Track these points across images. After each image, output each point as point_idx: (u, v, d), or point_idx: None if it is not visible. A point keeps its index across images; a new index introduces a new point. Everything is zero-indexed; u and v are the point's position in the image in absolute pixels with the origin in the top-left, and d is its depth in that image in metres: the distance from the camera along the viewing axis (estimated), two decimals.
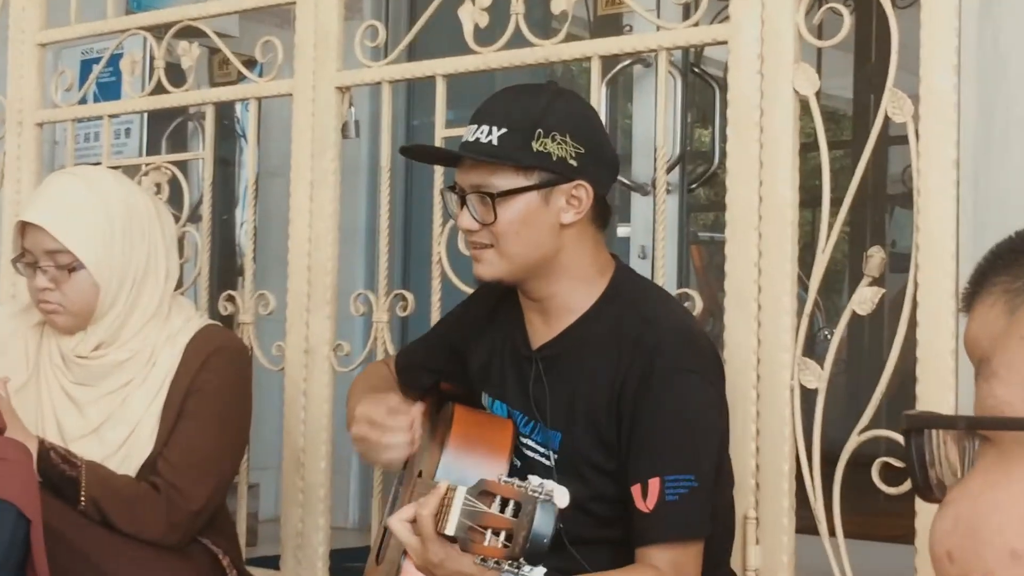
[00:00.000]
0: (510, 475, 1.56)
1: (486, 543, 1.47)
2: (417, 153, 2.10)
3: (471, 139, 1.81)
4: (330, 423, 2.63)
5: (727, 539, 1.94)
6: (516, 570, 1.44)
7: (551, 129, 1.78)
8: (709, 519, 1.76)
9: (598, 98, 2.32)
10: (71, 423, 2.28)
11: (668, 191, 2.51)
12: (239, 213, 3.62)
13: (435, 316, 2.42)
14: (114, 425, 2.26)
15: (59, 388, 2.30)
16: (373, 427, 1.91)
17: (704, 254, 4.44)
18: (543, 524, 1.43)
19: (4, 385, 2.17)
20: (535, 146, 1.77)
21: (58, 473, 2.14)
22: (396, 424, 1.89)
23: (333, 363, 2.64)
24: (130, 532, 2.17)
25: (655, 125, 2.53)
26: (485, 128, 1.79)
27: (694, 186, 3.78)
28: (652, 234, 2.57)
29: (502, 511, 1.47)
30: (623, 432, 1.77)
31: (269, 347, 2.72)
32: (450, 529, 1.51)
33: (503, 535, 1.46)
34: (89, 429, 2.26)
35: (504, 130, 1.78)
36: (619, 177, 2.58)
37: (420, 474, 1.95)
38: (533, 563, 1.44)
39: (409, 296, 2.54)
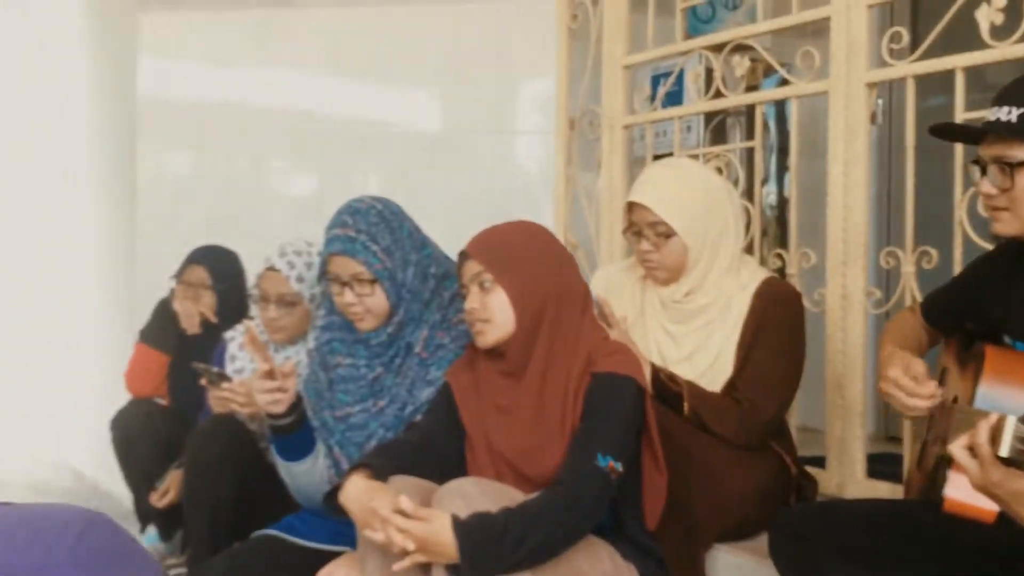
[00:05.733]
0: None
1: None
2: (944, 132, 2.04)
3: (992, 119, 1.85)
4: (863, 353, 2.81)
5: None
6: None
7: None
8: None
9: None
10: (670, 352, 2.53)
11: None
12: (765, 188, 3.77)
13: (956, 268, 2.51)
14: (702, 354, 2.49)
15: (659, 326, 2.56)
16: (899, 389, 1.95)
17: None
18: None
19: (624, 320, 2.46)
20: None
21: (667, 389, 2.42)
22: (920, 391, 1.92)
23: (867, 307, 2.83)
24: (719, 434, 2.41)
25: None
26: (1005, 109, 1.82)
27: None
28: None
29: None
30: None
31: (810, 294, 2.86)
32: (1003, 451, 1.49)
33: None
34: (683, 356, 2.51)
35: (1022, 110, 1.81)
36: None
37: (955, 399, 1.96)
38: None
39: (933, 251, 2.66)
